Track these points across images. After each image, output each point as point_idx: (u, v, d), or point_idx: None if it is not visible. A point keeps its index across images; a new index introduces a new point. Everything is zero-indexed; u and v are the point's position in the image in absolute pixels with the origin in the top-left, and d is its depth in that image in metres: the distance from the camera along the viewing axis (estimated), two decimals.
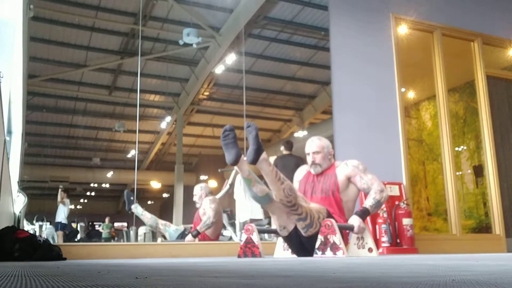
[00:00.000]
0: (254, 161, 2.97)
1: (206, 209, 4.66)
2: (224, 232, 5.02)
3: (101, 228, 5.23)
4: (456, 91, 6.21)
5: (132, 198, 4.70)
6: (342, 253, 3.05)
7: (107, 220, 5.31)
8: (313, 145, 3.54)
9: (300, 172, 3.72)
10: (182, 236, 4.72)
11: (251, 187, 3.06)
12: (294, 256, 3.41)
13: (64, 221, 4.74)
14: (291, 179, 4.03)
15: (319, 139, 3.57)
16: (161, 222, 4.80)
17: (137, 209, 4.71)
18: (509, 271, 1.21)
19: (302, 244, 3.24)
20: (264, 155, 3.00)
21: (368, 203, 3.32)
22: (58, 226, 4.69)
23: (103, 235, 5.18)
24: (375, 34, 5.55)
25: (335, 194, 3.39)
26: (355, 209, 3.47)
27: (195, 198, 4.81)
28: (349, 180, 3.43)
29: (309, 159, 3.54)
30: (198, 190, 4.83)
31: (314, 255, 3.16)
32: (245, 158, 3.04)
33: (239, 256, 3.36)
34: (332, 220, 3.15)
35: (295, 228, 3.19)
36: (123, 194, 4.80)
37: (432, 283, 0.88)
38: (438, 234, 5.56)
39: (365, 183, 3.38)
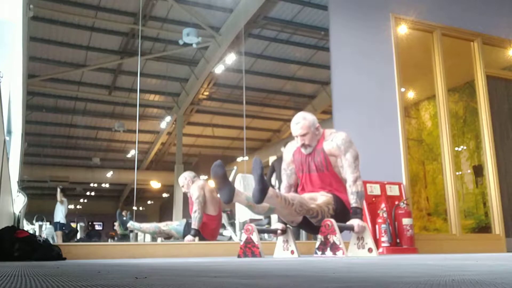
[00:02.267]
0: (260, 201, 2.92)
1: (192, 194, 4.63)
2: (224, 232, 5.02)
3: (117, 225, 5.12)
4: (456, 91, 6.21)
5: (124, 218, 4.67)
6: (342, 253, 3.05)
7: (124, 214, 5.17)
8: (298, 128, 3.41)
9: (290, 149, 3.63)
10: (187, 226, 4.66)
11: (253, 210, 3.17)
12: (294, 256, 3.42)
13: (63, 220, 4.74)
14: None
15: (304, 119, 3.43)
16: (162, 225, 4.76)
17: (134, 225, 4.68)
18: (509, 271, 1.21)
19: (314, 227, 3.30)
20: (269, 192, 2.94)
21: (352, 201, 3.32)
22: (56, 226, 4.69)
23: (120, 231, 5.07)
24: (375, 34, 5.55)
25: (329, 168, 3.38)
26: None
27: (184, 189, 4.76)
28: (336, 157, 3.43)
29: (297, 141, 3.46)
30: (182, 180, 4.76)
31: (314, 255, 3.16)
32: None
33: (239, 256, 3.36)
34: (332, 220, 3.16)
35: (303, 220, 3.27)
36: (116, 215, 4.76)
37: (432, 283, 0.88)
38: (438, 234, 5.56)
39: (341, 167, 3.37)
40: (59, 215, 4.71)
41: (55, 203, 4.76)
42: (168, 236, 4.80)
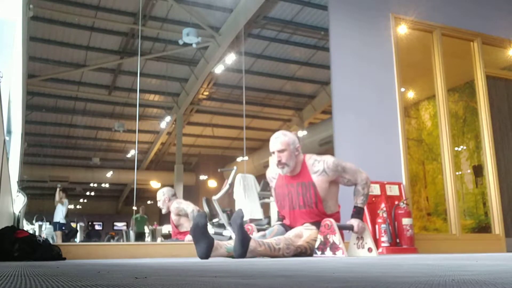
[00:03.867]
0: (243, 255, 2.76)
1: (181, 210, 4.65)
2: (224, 232, 5.02)
3: (132, 221, 5.05)
4: (456, 91, 6.21)
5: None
6: (342, 253, 3.05)
7: (141, 210, 5.12)
8: (277, 142, 3.25)
9: (273, 176, 3.50)
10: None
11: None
12: None
13: (63, 220, 4.73)
14: None
15: (284, 135, 3.29)
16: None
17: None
18: (509, 271, 1.21)
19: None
20: (251, 245, 2.79)
21: (359, 201, 3.31)
22: (56, 226, 4.68)
23: (137, 229, 5.00)
24: (374, 34, 5.55)
25: (318, 206, 3.25)
26: (338, 201, 3.43)
27: (159, 204, 4.75)
28: (331, 182, 3.29)
29: (274, 158, 3.28)
30: (160, 195, 4.76)
31: (314, 255, 3.17)
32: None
33: None
34: (331, 220, 3.16)
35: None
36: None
37: (432, 283, 0.88)
38: (438, 234, 5.56)
39: (348, 181, 3.32)
40: (59, 215, 4.71)
41: (55, 203, 4.75)
42: (161, 235, 4.83)
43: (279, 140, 3.26)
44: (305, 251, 3.11)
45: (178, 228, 4.68)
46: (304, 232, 3.15)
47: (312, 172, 3.24)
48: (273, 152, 3.27)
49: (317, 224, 3.23)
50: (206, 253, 2.81)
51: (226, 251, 2.87)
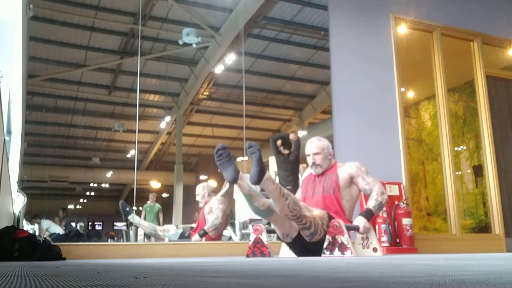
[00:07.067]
0: (257, 182, 2.97)
1: (213, 208, 4.65)
2: (224, 232, 5.03)
3: (143, 212, 5.02)
4: (456, 91, 6.21)
5: (127, 209, 4.65)
6: (350, 253, 3.06)
7: (151, 199, 5.11)
8: (313, 146, 3.57)
9: (305, 173, 3.78)
10: (181, 237, 4.71)
11: (252, 203, 3.08)
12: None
13: (61, 231, 4.74)
14: (288, 181, 4.03)
15: (319, 140, 3.60)
16: (160, 229, 4.76)
17: (134, 218, 4.67)
18: (509, 271, 1.21)
19: (306, 248, 3.25)
20: (267, 174, 3.01)
21: (371, 204, 3.36)
22: (55, 235, 4.66)
23: (148, 222, 4.99)
24: (374, 34, 5.56)
25: (335, 192, 3.42)
26: (355, 210, 3.51)
27: (198, 198, 4.80)
28: (351, 179, 3.47)
29: (309, 160, 3.57)
30: (200, 189, 4.82)
31: (323, 255, 3.17)
32: (244, 175, 3.06)
33: (247, 256, 3.37)
34: (339, 220, 3.18)
35: (298, 234, 3.21)
36: (119, 204, 4.73)
37: (432, 283, 0.88)
38: (438, 234, 5.56)
39: (367, 184, 3.43)
40: (57, 228, 4.72)
41: (55, 203, 4.75)
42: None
43: (314, 144, 3.59)
44: (309, 227, 3.12)
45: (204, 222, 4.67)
46: (314, 210, 3.29)
47: (338, 167, 3.56)
48: (309, 155, 3.58)
49: (328, 215, 3.31)
50: (234, 177, 2.98)
51: (248, 187, 3.05)
